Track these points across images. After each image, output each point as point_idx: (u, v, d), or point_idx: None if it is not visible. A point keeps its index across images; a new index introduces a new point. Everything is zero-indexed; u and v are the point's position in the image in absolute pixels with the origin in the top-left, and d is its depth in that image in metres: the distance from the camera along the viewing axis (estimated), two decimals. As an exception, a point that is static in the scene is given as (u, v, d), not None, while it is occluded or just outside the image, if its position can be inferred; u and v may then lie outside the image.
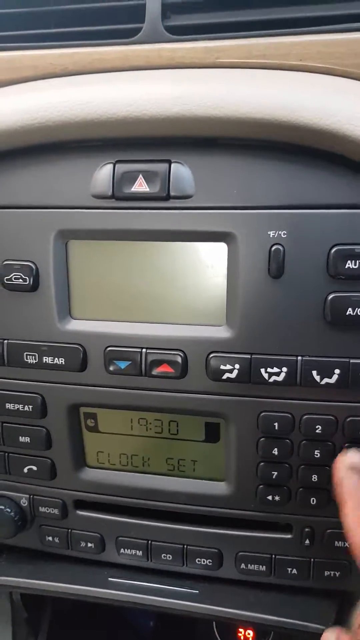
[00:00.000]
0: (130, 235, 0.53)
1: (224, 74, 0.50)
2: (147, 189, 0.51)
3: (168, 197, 0.51)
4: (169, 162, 0.50)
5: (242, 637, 0.71)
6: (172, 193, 0.51)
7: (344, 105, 0.46)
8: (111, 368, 0.57)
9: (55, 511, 0.67)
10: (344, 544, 0.61)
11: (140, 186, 0.51)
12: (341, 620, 0.67)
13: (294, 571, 0.63)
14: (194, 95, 0.47)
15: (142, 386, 0.57)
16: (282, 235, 0.50)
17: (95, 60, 0.53)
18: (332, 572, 0.63)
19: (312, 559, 0.62)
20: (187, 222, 0.51)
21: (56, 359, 0.57)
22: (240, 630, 0.71)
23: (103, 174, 0.52)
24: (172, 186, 0.50)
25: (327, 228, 0.49)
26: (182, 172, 0.50)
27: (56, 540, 0.69)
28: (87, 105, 0.48)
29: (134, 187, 0.51)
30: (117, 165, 0.51)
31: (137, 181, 0.51)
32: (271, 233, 0.50)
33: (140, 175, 0.51)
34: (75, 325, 0.57)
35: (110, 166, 0.51)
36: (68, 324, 0.57)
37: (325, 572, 0.63)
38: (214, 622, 0.72)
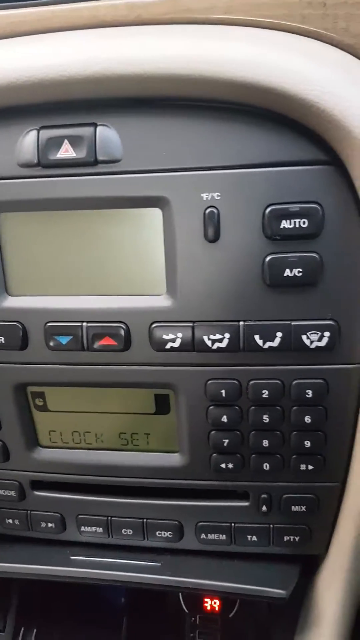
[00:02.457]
0: (60, 205, 0.51)
1: (146, 31, 0.48)
2: (74, 155, 0.49)
3: (96, 162, 0.49)
4: (95, 125, 0.49)
5: (208, 608, 0.71)
6: (99, 157, 0.49)
7: (269, 57, 0.44)
8: (52, 344, 0.55)
9: (12, 493, 0.66)
10: (301, 508, 0.61)
11: (67, 152, 0.49)
12: (304, 584, 0.68)
13: (254, 538, 0.63)
14: (112, 52, 0.45)
15: (86, 361, 0.56)
16: (216, 198, 0.49)
17: (15, 23, 0.51)
18: (291, 537, 0.63)
19: (270, 525, 0.62)
20: (117, 188, 0.50)
21: (-5, 337, 0.56)
22: (207, 600, 0.72)
23: (28, 141, 0.50)
24: (99, 150, 0.49)
25: (260, 188, 0.48)
26: (108, 135, 0.49)
27: (16, 522, 0.68)
28: (3, 69, 0.46)
29: (59, 153, 0.49)
30: (41, 131, 0.49)
31: (62, 147, 0.49)
32: (204, 195, 0.49)
33: (66, 140, 0.49)
34: (12, 302, 0.55)
35: (34, 132, 0.49)
36: (5, 300, 0.55)
37: (285, 537, 0.63)
38: (180, 595, 0.72)
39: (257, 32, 0.47)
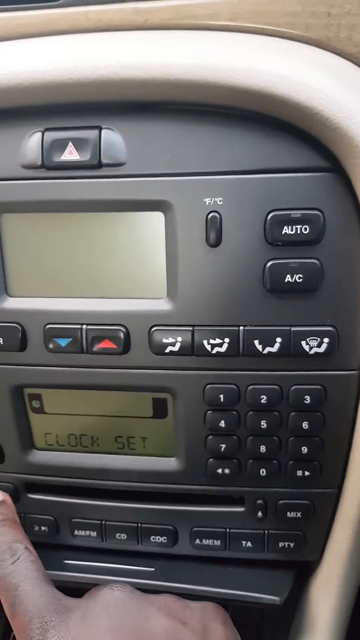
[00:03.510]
0: (63, 207, 0.51)
1: (152, 36, 0.48)
2: (78, 157, 0.49)
3: (100, 165, 0.49)
4: (100, 129, 0.49)
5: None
6: (103, 161, 0.49)
7: (273, 64, 0.44)
8: (51, 346, 0.55)
9: (6, 496, 0.65)
10: (297, 514, 0.61)
11: (71, 154, 0.49)
12: (298, 590, 0.67)
13: (249, 544, 0.63)
14: (119, 56, 0.45)
15: (85, 364, 0.56)
16: (218, 202, 0.49)
17: (20, 26, 0.51)
18: (286, 544, 0.63)
19: (265, 531, 0.62)
20: (121, 191, 0.50)
21: (-6, 339, 0.56)
22: (200, 606, 0.71)
23: (32, 142, 0.50)
24: (104, 153, 0.49)
25: (263, 194, 0.48)
26: (113, 138, 0.49)
27: (9, 525, 0.67)
28: (10, 71, 0.46)
29: (64, 155, 0.49)
30: (45, 133, 0.49)
31: (67, 149, 0.49)
32: (207, 200, 0.49)
33: (70, 143, 0.49)
34: (12, 303, 0.55)
35: (39, 134, 0.49)
36: (4, 302, 0.55)
37: (280, 543, 0.63)
38: (173, 600, 0.71)
39: (261, 39, 0.48)
